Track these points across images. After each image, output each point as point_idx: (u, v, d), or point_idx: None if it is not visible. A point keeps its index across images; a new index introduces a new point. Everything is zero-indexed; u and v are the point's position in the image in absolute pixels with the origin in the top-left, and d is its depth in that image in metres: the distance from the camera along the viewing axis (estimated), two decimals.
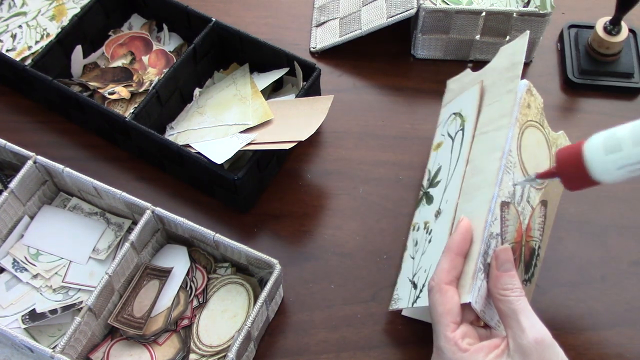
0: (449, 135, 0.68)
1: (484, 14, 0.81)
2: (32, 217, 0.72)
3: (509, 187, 0.57)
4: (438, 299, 0.53)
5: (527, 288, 0.64)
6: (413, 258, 0.66)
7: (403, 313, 0.69)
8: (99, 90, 0.80)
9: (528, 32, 0.62)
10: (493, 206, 0.55)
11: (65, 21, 0.86)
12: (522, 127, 0.59)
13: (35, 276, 0.69)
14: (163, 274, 0.67)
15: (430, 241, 0.64)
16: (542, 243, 0.65)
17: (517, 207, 0.59)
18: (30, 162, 0.69)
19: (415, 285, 0.63)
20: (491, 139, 0.59)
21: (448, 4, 0.85)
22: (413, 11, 0.81)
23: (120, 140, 0.78)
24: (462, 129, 0.65)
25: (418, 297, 0.61)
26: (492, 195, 0.55)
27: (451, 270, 0.54)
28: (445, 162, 0.67)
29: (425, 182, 0.71)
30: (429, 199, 0.68)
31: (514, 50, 0.63)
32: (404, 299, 0.65)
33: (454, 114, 0.69)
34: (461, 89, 0.70)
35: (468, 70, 0.71)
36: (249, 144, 0.71)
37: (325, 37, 0.88)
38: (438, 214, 0.64)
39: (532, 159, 0.60)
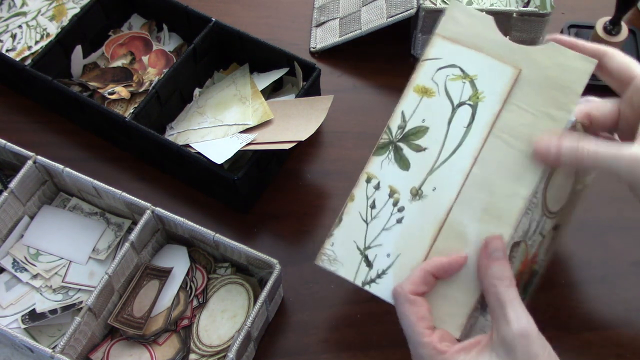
0: (447, 95, 0.55)
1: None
2: (32, 217, 0.72)
3: (525, 227, 0.53)
4: (408, 309, 0.51)
5: None
6: (366, 222, 0.56)
7: None
8: (99, 90, 0.80)
9: (596, 61, 0.54)
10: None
11: (65, 21, 0.86)
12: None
13: (35, 276, 0.69)
14: (163, 274, 0.67)
15: (400, 222, 0.54)
16: (544, 262, 0.62)
17: (527, 242, 0.55)
18: (30, 162, 0.69)
19: (369, 263, 0.55)
20: (516, 163, 0.52)
21: (448, 4, 0.85)
22: (413, 11, 0.81)
23: (120, 140, 0.78)
24: (474, 107, 0.54)
25: (374, 281, 0.54)
26: (507, 240, 0.51)
27: (420, 286, 0.51)
28: (437, 128, 0.55)
29: (394, 128, 0.57)
30: (402, 160, 0.56)
31: (568, 68, 0.54)
32: (346, 267, 0.56)
33: (462, 71, 0.55)
34: (476, 37, 0.56)
35: (492, 21, 0.58)
36: (249, 144, 0.71)
37: (325, 37, 0.88)
38: (417, 195, 0.54)
39: (555, 193, 0.56)
